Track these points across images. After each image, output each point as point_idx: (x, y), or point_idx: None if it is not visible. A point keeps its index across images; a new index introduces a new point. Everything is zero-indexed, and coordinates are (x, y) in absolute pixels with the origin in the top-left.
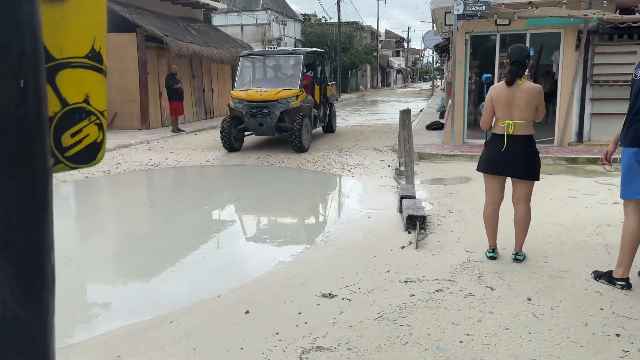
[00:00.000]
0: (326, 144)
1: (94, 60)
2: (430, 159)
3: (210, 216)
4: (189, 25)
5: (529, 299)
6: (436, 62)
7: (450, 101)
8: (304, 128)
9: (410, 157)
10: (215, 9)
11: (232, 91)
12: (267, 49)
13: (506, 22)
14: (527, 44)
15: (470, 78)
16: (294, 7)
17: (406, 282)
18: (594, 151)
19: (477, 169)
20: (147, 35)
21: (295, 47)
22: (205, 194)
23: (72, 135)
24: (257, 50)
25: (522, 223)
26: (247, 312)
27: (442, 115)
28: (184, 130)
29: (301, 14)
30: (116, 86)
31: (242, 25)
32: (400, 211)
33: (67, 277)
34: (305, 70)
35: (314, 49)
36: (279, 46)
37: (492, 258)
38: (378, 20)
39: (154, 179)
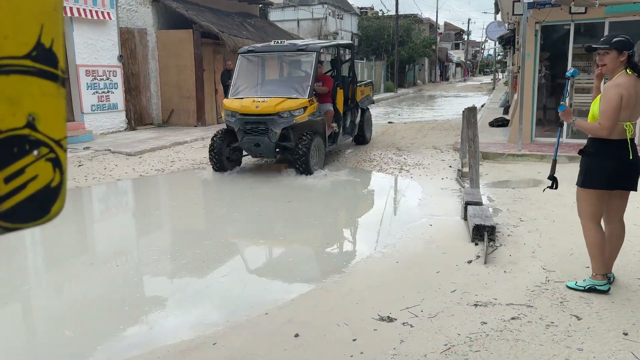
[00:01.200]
0: (383, 142)
1: (42, 62)
2: (495, 158)
3: (261, 220)
4: (244, 20)
5: (625, 334)
6: (498, 55)
7: (516, 96)
8: (312, 150)
9: (476, 159)
10: (271, 3)
11: (224, 100)
12: (272, 43)
13: (582, 9)
14: (606, 34)
15: (539, 71)
16: (350, 1)
17: (475, 305)
18: None
19: (593, 186)
20: (203, 31)
21: (351, 41)
22: (256, 195)
23: (8, 179)
24: (259, 45)
25: (618, 240)
26: (297, 335)
27: (506, 111)
28: None
29: (358, 8)
30: (174, 83)
31: (298, 20)
32: (465, 218)
33: (108, 285)
34: (326, 70)
35: (337, 41)
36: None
37: (607, 291)
38: (437, 11)
39: (206, 178)
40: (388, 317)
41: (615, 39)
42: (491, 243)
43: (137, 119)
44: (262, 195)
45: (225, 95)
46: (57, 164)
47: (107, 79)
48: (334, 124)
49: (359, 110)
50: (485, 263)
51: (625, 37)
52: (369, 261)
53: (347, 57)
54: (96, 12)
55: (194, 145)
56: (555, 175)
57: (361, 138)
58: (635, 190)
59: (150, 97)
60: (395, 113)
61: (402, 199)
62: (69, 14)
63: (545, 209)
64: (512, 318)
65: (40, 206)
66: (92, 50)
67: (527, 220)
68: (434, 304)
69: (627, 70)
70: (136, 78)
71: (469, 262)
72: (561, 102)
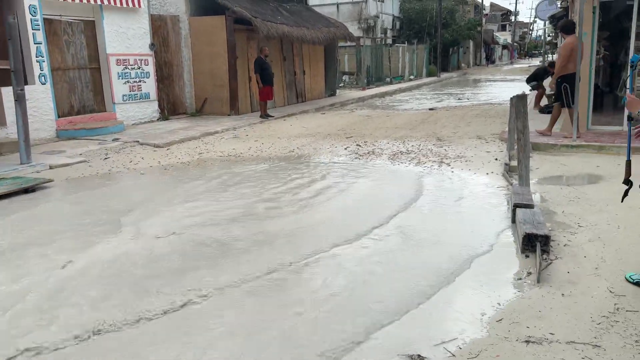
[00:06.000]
0: (422, 131)
1: None
2: (546, 150)
3: (285, 217)
4: (280, 5)
5: None
6: (548, 36)
7: None
8: None
9: (526, 154)
10: None
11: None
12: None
13: None
14: None
15: (597, 52)
16: None
17: (527, 342)
18: None
19: None
20: (236, 17)
21: (392, 25)
22: (279, 190)
23: None
24: None
25: None
26: None
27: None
28: (272, 116)
29: None
30: (207, 71)
31: (337, 4)
32: (513, 221)
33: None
34: None
35: None
36: (375, 25)
37: None
38: None
39: (231, 172)
40: (418, 355)
41: None
42: (545, 256)
43: (170, 108)
44: (284, 190)
45: (260, 83)
46: None
47: (139, 68)
48: None
49: None
50: (538, 282)
51: None
52: None
53: None
54: None
55: (224, 136)
56: (631, 179)
57: None
58: None
59: (183, 85)
60: (436, 99)
61: (440, 198)
62: (98, 2)
63: (608, 212)
64: None
65: None
66: (123, 39)
67: (586, 226)
68: (475, 337)
69: None
70: (169, 66)
71: (519, 279)
72: (623, 93)
